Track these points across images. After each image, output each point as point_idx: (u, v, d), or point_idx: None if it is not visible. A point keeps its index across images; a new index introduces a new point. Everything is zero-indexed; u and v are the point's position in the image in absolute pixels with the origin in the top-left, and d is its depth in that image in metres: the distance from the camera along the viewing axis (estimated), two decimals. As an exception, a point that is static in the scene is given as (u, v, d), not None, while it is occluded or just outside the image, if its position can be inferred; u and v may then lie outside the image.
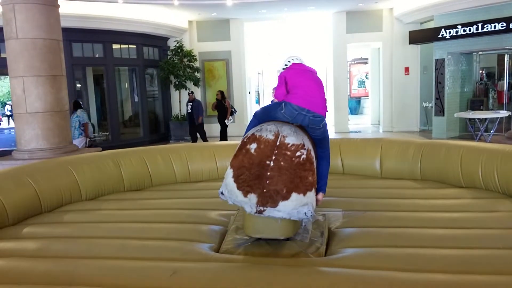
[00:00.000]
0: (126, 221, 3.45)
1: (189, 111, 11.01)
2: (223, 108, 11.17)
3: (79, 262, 2.60)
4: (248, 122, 3.16)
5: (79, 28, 10.24)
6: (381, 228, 3.08)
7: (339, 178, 4.67)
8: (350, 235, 3.00)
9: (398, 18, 12.30)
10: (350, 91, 18.33)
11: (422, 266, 2.38)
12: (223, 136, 11.13)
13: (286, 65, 3.06)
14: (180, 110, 12.90)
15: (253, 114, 3.10)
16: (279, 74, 3.02)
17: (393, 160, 4.69)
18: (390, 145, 4.78)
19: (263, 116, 2.98)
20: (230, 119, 11.31)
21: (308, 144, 2.67)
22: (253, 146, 2.65)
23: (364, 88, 18.44)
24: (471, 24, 10.01)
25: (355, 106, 19.40)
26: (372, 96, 15.46)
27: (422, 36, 11.68)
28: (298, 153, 2.59)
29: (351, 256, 2.63)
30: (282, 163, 2.57)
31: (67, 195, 4.09)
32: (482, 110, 10.77)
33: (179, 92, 12.72)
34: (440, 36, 10.65)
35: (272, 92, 3.14)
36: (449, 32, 10.45)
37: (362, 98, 19.05)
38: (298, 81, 2.92)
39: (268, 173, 2.57)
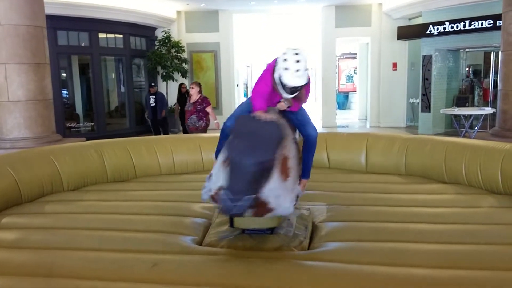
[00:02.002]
0: (108, 213, 3.40)
1: (153, 104, 10.14)
2: (185, 103, 10.33)
3: (58, 254, 2.55)
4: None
5: (65, 15, 10.04)
6: (364, 222, 3.09)
7: (325, 172, 4.67)
8: (334, 229, 3.00)
9: (387, 13, 12.33)
10: (338, 86, 18.38)
11: (404, 261, 2.39)
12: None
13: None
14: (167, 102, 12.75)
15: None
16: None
17: (378, 154, 4.70)
18: (376, 140, 4.80)
19: None
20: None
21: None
22: None
23: (352, 83, 18.50)
24: (458, 21, 10.06)
25: (343, 101, 19.46)
26: (359, 91, 15.52)
27: (410, 32, 11.72)
28: None
29: (333, 250, 2.63)
30: None
31: (48, 185, 4.02)
32: (467, 107, 10.87)
33: (167, 83, 12.60)
34: (428, 32, 10.70)
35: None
36: (437, 29, 10.50)
37: (350, 93, 19.11)
38: None
39: None
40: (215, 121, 6.86)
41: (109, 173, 4.54)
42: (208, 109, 6.90)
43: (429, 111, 11.02)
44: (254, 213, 2.33)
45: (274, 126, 2.32)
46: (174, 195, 3.90)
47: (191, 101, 6.98)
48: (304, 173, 2.89)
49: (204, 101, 6.93)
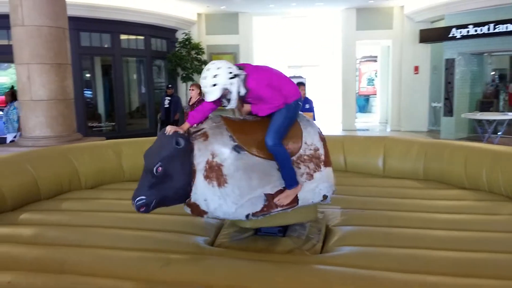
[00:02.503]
0: (123, 211, 3.42)
1: (167, 106, 9.98)
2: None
3: (72, 251, 2.59)
4: None
5: (87, 17, 10.22)
6: (378, 227, 3.03)
7: (341, 175, 4.59)
8: (347, 233, 2.96)
9: (409, 16, 12.15)
10: (358, 89, 18.20)
11: (417, 267, 2.33)
12: None
13: (234, 76, 2.59)
14: (187, 102, 12.84)
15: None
16: (259, 85, 2.65)
17: (396, 158, 4.62)
18: (394, 144, 4.72)
19: (289, 129, 2.78)
20: None
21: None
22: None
23: (373, 86, 18.28)
24: (482, 24, 9.83)
25: (364, 104, 19.25)
26: (380, 95, 15.32)
27: (432, 35, 11.51)
28: None
29: (346, 254, 2.59)
30: None
31: (66, 183, 4.08)
32: (492, 112, 10.60)
33: (186, 85, 12.69)
34: (450, 35, 10.49)
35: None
36: (460, 32, 10.28)
37: (370, 96, 18.89)
38: (282, 77, 2.83)
39: None
40: None
41: (126, 172, 4.59)
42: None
43: (452, 116, 10.80)
44: (192, 212, 2.65)
45: (167, 138, 2.59)
46: (189, 195, 3.91)
47: (190, 103, 6.82)
48: (286, 183, 2.69)
49: (200, 104, 6.83)
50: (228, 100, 2.62)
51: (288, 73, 21.30)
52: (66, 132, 6.65)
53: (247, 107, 2.85)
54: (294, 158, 2.72)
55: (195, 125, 2.81)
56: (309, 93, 8.42)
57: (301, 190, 2.72)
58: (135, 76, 13.00)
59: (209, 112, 2.81)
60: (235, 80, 2.57)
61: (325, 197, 2.84)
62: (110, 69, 11.85)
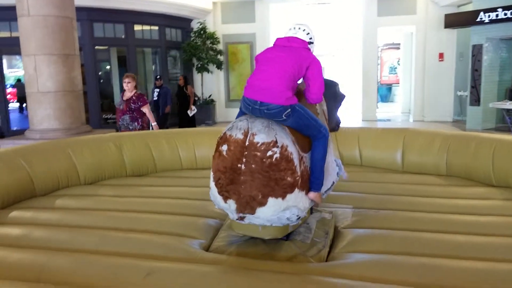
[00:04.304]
0: (117, 210, 3.22)
1: (155, 98, 9.46)
2: (185, 97, 9.98)
3: (53, 255, 2.37)
4: None
5: (101, 7, 10.07)
6: (394, 230, 2.72)
7: (356, 170, 4.29)
8: (358, 237, 2.66)
9: (433, 0, 11.55)
10: (380, 78, 17.62)
11: (436, 280, 2.03)
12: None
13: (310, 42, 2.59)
14: (202, 94, 12.64)
15: None
16: (318, 64, 2.48)
17: (416, 152, 4.25)
18: (414, 136, 4.35)
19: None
20: (194, 109, 10.01)
21: (283, 140, 2.26)
22: (225, 148, 2.28)
23: (395, 74, 17.67)
24: (513, 7, 9.23)
25: (386, 93, 18.67)
26: (403, 83, 14.77)
27: (458, 20, 10.91)
28: (269, 153, 2.19)
29: (355, 263, 2.29)
30: (253, 165, 2.20)
31: (64, 178, 3.90)
32: (522, 100, 10.00)
33: (201, 75, 12.47)
34: (478, 20, 9.90)
35: None
36: (489, 16, 9.69)
37: (393, 85, 18.28)
38: (256, 64, 2.48)
39: (241, 178, 2.22)
40: (153, 124, 5.77)
41: (128, 167, 4.38)
42: (145, 109, 5.67)
43: (479, 105, 10.23)
44: (237, 207, 2.32)
45: None
46: (192, 192, 3.66)
47: (124, 98, 5.70)
48: (312, 184, 2.46)
49: (139, 98, 5.65)
50: None
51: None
52: (75, 124, 6.52)
53: None
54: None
55: None
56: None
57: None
58: (151, 67, 12.85)
59: None
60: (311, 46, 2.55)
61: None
62: (126, 60, 11.72)
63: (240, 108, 2.48)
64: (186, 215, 3.11)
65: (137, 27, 11.32)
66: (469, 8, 10.56)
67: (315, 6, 13.33)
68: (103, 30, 10.74)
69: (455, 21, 11.02)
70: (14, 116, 13.49)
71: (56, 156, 3.91)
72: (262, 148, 2.19)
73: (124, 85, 5.67)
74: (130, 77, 5.68)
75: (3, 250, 2.49)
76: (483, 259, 2.27)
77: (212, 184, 2.38)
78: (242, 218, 2.29)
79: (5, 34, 9.79)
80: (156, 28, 11.74)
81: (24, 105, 15.05)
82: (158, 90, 9.54)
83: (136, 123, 5.63)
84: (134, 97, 5.63)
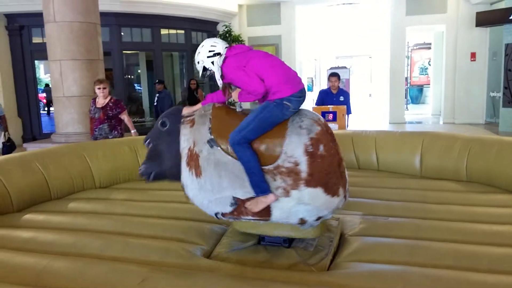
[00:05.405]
0: (126, 214, 3.26)
1: (155, 103, 9.08)
2: (195, 101, 9.41)
3: (53, 259, 2.40)
4: None
5: (128, 12, 10.28)
6: (404, 239, 2.61)
7: (372, 175, 4.18)
8: (364, 245, 2.57)
9: (465, -2, 11.16)
10: (410, 79, 17.17)
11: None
12: None
13: (214, 54, 2.50)
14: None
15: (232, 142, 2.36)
16: (228, 68, 2.48)
17: (435, 157, 4.09)
18: (434, 140, 4.18)
19: (261, 131, 2.37)
20: None
21: None
22: (321, 148, 2.36)
23: (426, 75, 17.17)
24: (550, 3, 8.79)
25: (417, 94, 18.16)
26: (434, 84, 14.32)
27: (491, 18, 10.48)
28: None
29: (358, 274, 2.21)
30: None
31: (79, 182, 3.97)
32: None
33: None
34: (511, 18, 9.49)
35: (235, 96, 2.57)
36: (523, 13, 9.27)
37: (424, 86, 17.77)
38: (266, 66, 2.42)
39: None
40: (133, 131, 5.34)
41: (142, 171, 4.42)
42: (124, 116, 5.22)
43: (512, 106, 9.80)
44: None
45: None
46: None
47: (99, 106, 5.13)
48: (253, 189, 2.35)
49: (117, 105, 5.15)
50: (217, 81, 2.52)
51: (334, 63, 20.59)
52: (98, 128, 6.64)
53: (235, 93, 2.57)
54: (271, 167, 2.34)
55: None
56: (357, 85, 7.80)
57: (276, 202, 2.35)
58: (178, 71, 13.01)
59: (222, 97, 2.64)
60: (216, 59, 2.50)
61: (302, 221, 2.39)
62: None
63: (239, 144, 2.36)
64: (193, 220, 3.10)
65: (164, 31, 11.48)
66: (502, 5, 10.13)
67: (342, 7, 13.15)
68: (130, 35, 10.96)
69: (487, 19, 10.60)
70: (44, 120, 13.95)
71: (72, 160, 4.00)
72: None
73: (99, 91, 5.11)
74: (103, 83, 5.19)
75: (8, 253, 2.54)
76: (499, 272, 2.14)
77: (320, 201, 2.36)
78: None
79: (38, 39, 10.14)
80: (182, 32, 11.87)
81: (51, 109, 15.52)
82: (157, 95, 9.32)
83: (115, 132, 5.20)
84: (110, 104, 5.13)
